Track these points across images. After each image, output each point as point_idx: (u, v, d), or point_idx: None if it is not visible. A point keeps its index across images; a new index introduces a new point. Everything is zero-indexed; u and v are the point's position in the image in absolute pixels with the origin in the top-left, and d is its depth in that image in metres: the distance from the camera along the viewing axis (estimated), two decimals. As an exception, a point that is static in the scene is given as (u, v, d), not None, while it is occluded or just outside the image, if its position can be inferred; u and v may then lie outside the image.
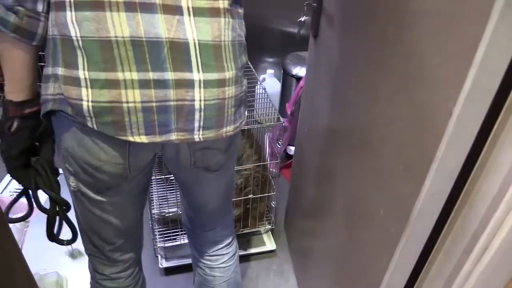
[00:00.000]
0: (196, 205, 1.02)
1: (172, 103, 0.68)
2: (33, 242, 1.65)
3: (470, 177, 0.61)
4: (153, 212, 1.59)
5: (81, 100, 0.65)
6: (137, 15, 0.63)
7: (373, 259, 0.86)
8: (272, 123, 1.50)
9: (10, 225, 1.21)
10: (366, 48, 0.87)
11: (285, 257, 1.71)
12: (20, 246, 1.34)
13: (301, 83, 1.96)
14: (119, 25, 0.62)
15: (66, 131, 0.72)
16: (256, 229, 1.73)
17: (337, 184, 1.10)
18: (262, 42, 2.35)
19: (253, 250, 1.70)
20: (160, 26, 0.64)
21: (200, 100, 0.70)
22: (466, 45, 0.53)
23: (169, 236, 1.63)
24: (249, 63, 1.76)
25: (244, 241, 1.73)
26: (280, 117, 1.48)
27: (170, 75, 0.66)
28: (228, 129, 0.77)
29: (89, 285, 1.05)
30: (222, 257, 1.12)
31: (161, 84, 0.66)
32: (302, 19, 1.27)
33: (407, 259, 0.73)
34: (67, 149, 0.74)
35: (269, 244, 1.73)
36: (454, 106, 0.56)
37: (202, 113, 0.71)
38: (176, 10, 0.65)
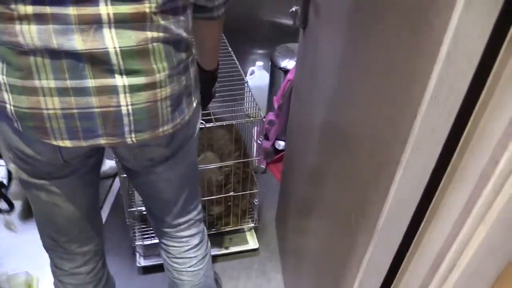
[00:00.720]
0: (147, 195, 0.98)
1: (95, 110, 0.66)
2: (1, 242, 1.62)
3: (439, 188, 0.55)
4: (132, 209, 1.54)
5: (5, 103, 0.65)
6: (49, 27, 0.59)
7: (345, 266, 0.81)
8: (251, 118, 1.44)
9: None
10: (347, 41, 0.81)
11: (268, 257, 1.66)
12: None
13: (289, 76, 1.89)
14: (30, 38, 0.59)
15: (2, 122, 0.71)
16: (239, 227, 1.67)
17: (320, 183, 1.04)
18: (251, 34, 2.28)
19: (234, 249, 1.65)
20: (75, 38, 0.60)
21: (127, 105, 0.67)
22: (432, 38, 0.47)
23: (148, 234, 1.57)
24: (234, 56, 1.69)
25: (227, 239, 1.68)
26: (260, 112, 1.41)
27: (90, 83, 0.64)
28: (166, 128, 0.74)
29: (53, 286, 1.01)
30: (190, 260, 1.07)
31: (80, 91, 0.64)
32: (294, 9, 1.20)
33: (375, 271, 0.68)
34: (5, 137, 0.74)
35: (252, 242, 1.67)
36: (419, 106, 0.50)
37: (132, 118, 0.69)
38: (93, 19, 0.60)
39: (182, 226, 1.02)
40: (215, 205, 1.56)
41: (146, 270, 1.55)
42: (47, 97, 0.63)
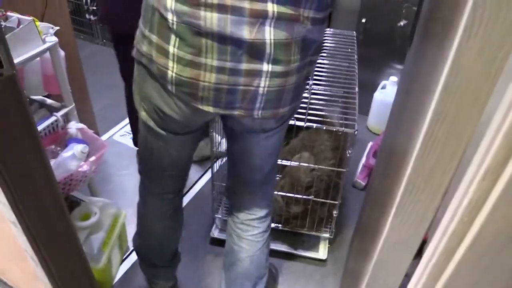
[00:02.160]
0: (239, 158, 1.09)
1: (240, 87, 0.81)
2: (109, 177, 1.93)
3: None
4: (219, 183, 1.65)
5: (167, 69, 0.80)
6: (227, 17, 0.73)
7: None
8: (338, 128, 1.40)
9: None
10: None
11: (333, 271, 1.60)
12: (88, 170, 1.53)
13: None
14: (211, 23, 0.73)
15: (149, 82, 0.88)
16: (313, 233, 1.65)
17: (371, 208, 0.98)
18: (392, 45, 2.15)
19: (302, 252, 1.64)
20: (245, 29, 0.73)
21: (264, 87, 0.81)
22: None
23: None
24: (356, 69, 1.61)
25: (299, 240, 1.68)
26: (354, 125, 1.35)
27: (244, 66, 0.78)
28: (284, 110, 0.88)
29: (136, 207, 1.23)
30: (252, 229, 1.16)
31: (235, 72, 0.79)
32: (402, 23, 1.13)
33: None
34: (146, 94, 0.91)
35: (322, 252, 1.64)
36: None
37: (264, 97, 0.83)
38: (261, 14, 0.73)
39: (257, 195, 1.14)
40: (294, 204, 1.57)
41: (217, 242, 1.66)
42: (207, 72, 0.78)
